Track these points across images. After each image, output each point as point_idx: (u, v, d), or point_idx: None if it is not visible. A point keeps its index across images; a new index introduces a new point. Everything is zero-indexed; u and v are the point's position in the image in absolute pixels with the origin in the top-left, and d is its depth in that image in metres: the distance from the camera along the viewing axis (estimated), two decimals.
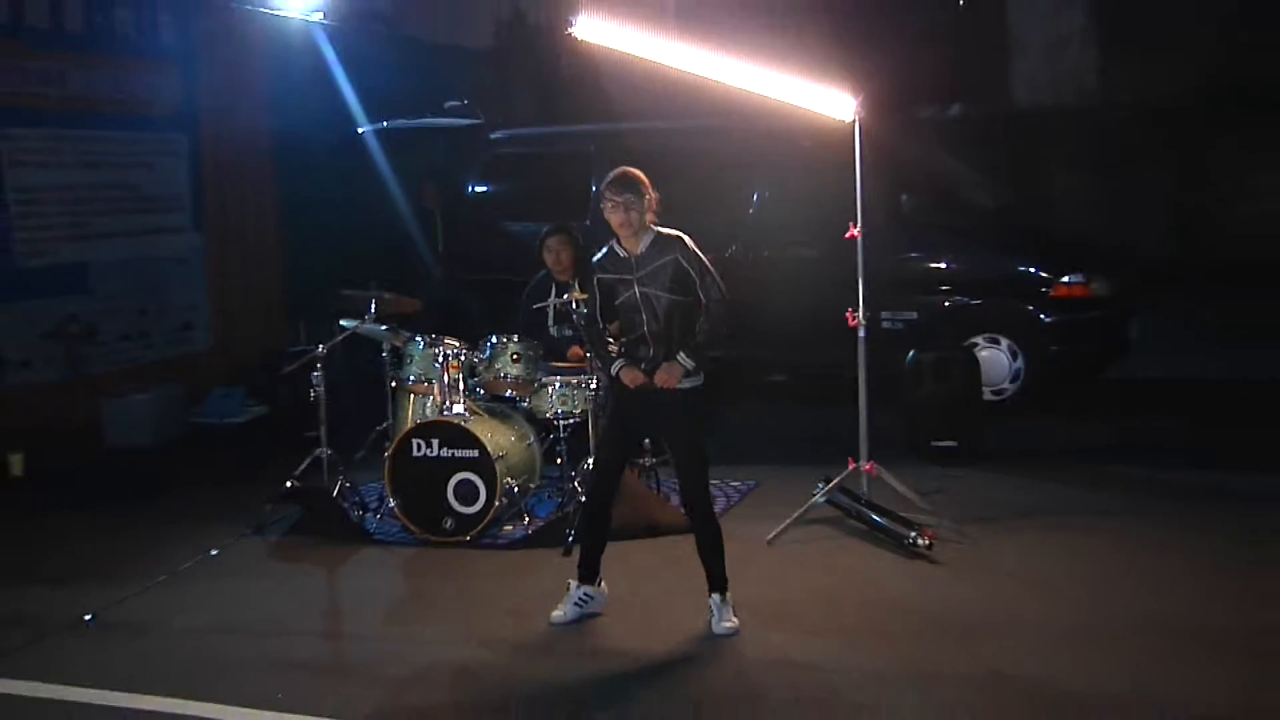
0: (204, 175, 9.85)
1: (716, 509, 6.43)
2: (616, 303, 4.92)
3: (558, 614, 5.02)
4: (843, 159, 6.07)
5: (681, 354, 4.82)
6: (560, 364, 6.61)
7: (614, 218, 4.83)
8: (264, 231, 10.48)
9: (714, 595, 4.91)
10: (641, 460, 6.45)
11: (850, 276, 6.02)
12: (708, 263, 4.86)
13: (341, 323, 6.76)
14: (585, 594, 5.07)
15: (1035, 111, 14.99)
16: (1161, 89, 13.95)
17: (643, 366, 4.87)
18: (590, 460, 5.84)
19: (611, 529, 5.12)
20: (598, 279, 4.97)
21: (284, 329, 10.41)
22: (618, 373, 4.90)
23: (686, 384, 4.85)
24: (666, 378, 4.81)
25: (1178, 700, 4.13)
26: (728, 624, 4.83)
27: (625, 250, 4.88)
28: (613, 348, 5.08)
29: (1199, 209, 14.02)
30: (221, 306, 10.03)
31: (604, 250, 4.97)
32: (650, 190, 4.86)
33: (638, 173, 4.89)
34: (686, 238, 4.88)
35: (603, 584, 5.13)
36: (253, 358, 9.82)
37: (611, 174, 4.90)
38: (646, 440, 6.29)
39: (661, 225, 4.92)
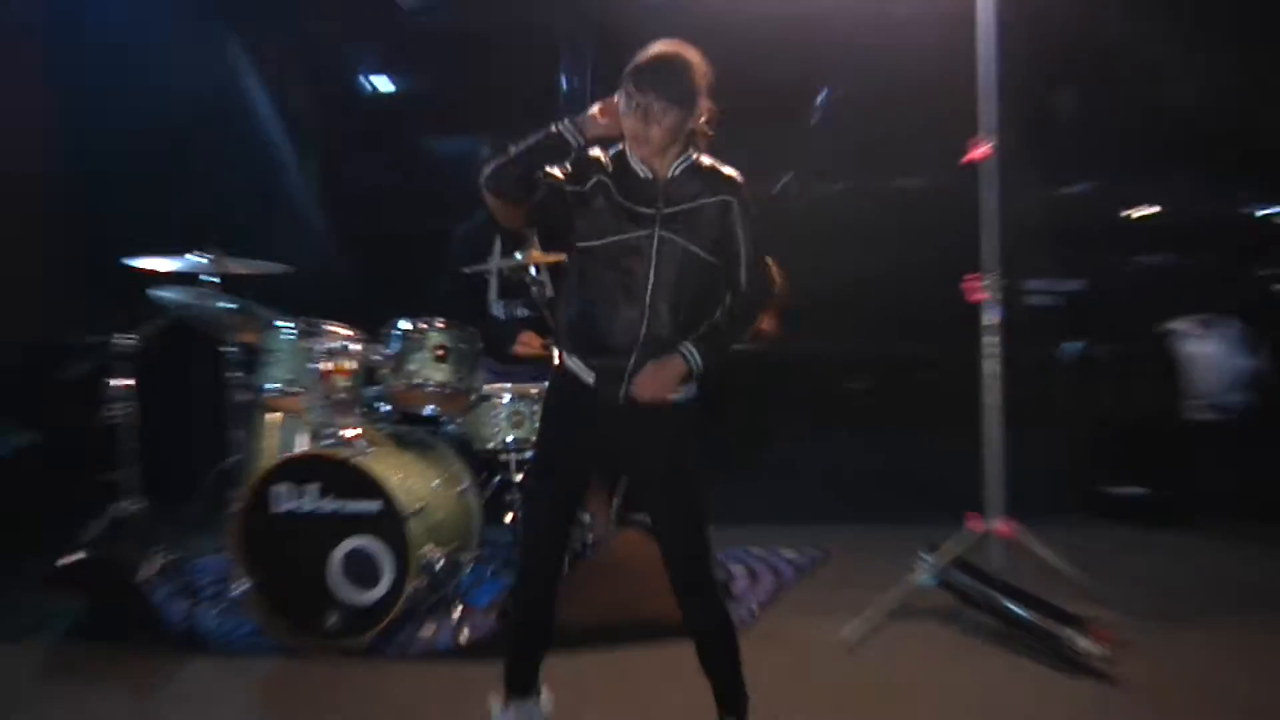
0: None
1: (762, 591, 6.57)
2: (592, 241, 4.70)
3: None
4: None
5: (689, 346, 4.68)
6: (520, 354, 6.70)
7: (627, 121, 4.63)
8: (26, 148, 10.48)
9: None
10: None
11: (969, 222, 6.12)
12: (753, 241, 4.71)
13: (158, 295, 6.78)
14: (517, 713, 5.12)
15: None
16: None
17: (620, 360, 4.71)
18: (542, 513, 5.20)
19: (578, 618, 5.13)
20: (598, 182, 4.69)
21: (65, 309, 10.43)
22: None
23: (683, 397, 4.75)
24: (657, 385, 4.68)
25: None
26: None
27: (646, 167, 4.73)
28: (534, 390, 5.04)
29: None
30: None
31: (603, 152, 4.74)
32: (704, 97, 4.66)
33: (689, 57, 4.64)
34: (740, 182, 4.72)
35: (543, 692, 5.16)
36: (9, 357, 9.85)
37: (649, 49, 4.62)
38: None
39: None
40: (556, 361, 4.81)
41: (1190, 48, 11.36)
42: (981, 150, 6.02)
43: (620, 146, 4.69)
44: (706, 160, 4.72)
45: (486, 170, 4.66)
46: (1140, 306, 8.58)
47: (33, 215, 10.47)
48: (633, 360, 4.66)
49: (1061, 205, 8.67)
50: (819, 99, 9.37)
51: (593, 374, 4.70)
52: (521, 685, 5.11)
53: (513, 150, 4.61)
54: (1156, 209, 8.85)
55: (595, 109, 4.61)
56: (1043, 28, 8.83)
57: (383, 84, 10.42)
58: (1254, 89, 13.39)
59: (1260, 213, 8.77)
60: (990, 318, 6.08)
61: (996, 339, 6.09)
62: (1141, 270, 8.75)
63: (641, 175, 4.66)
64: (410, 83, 10.36)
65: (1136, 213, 8.87)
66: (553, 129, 4.60)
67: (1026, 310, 8.41)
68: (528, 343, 6.76)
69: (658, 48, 4.60)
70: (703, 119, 4.66)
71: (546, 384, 5.27)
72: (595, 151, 4.68)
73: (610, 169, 4.67)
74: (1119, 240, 8.77)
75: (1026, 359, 7.23)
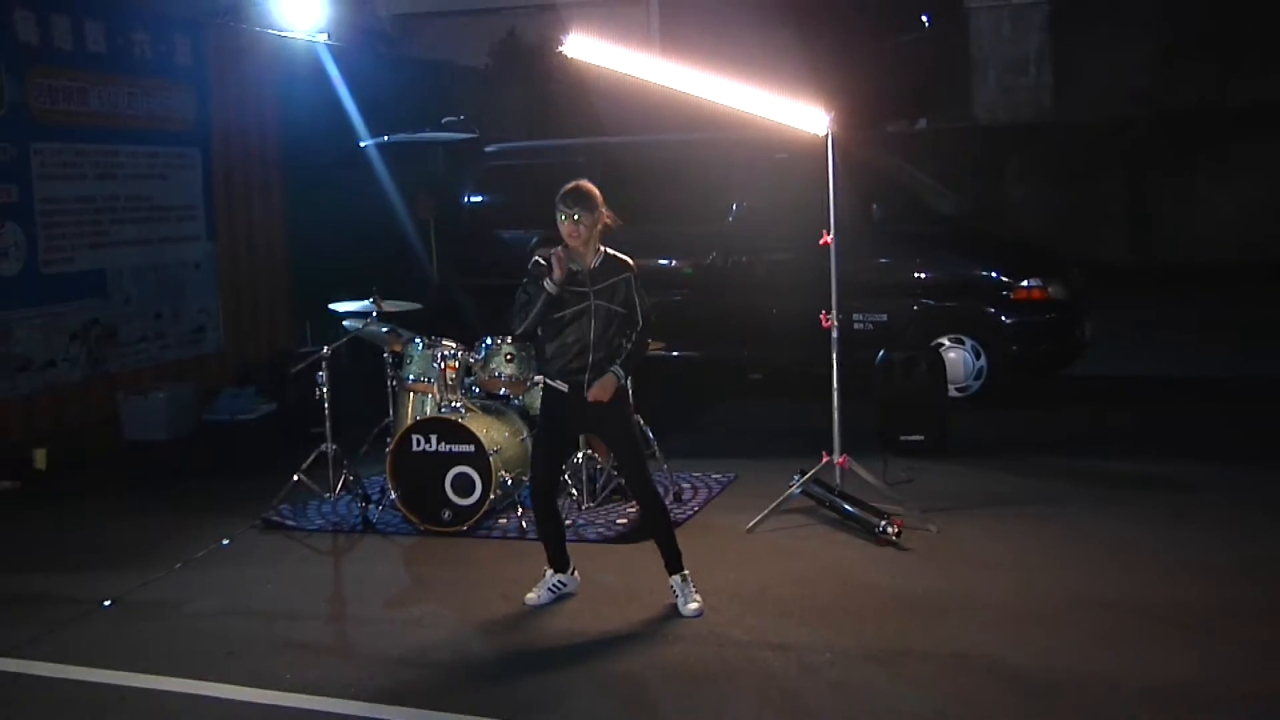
0: (216, 187, 9.81)
1: (698, 500, 6.49)
2: (560, 313, 4.78)
3: (532, 596, 5.03)
4: (816, 170, 6.08)
5: (618, 366, 4.80)
6: None
7: (564, 228, 4.73)
8: (272, 240, 10.45)
9: (674, 576, 4.90)
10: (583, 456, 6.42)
11: (824, 280, 6.02)
12: (642, 292, 4.88)
13: (345, 325, 6.74)
14: (559, 581, 5.08)
15: (995, 127, 15.08)
16: (1112, 107, 14.05)
17: (575, 382, 4.81)
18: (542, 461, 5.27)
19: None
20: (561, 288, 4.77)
21: (291, 331, 10.36)
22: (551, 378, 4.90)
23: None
24: (602, 393, 4.77)
25: (1124, 674, 4.15)
26: (693, 604, 4.82)
27: (578, 263, 4.79)
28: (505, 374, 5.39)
29: (1147, 217, 14.12)
30: (232, 310, 10.00)
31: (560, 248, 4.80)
32: (602, 206, 4.77)
33: (590, 187, 4.79)
34: (632, 264, 4.87)
35: (575, 572, 5.12)
36: (262, 359, 9.81)
37: (566, 186, 4.78)
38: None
39: (614, 244, 4.91)
40: (542, 382, 5.03)
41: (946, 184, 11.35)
42: (826, 238, 5.95)
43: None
44: (614, 254, 4.86)
45: (515, 324, 4.87)
46: (920, 330, 8.57)
47: (279, 270, 10.43)
48: (587, 377, 4.80)
49: (873, 270, 8.58)
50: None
51: (567, 385, 4.84)
52: (559, 563, 5.08)
53: (531, 309, 4.78)
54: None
55: (556, 272, 4.72)
56: (865, 170, 8.81)
57: (475, 197, 10.23)
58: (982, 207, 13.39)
59: (982, 273, 8.70)
60: (834, 335, 6.00)
61: (838, 348, 6.00)
62: (921, 308, 8.70)
63: (575, 269, 4.78)
64: (489, 195, 10.20)
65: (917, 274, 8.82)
66: (550, 289, 4.72)
67: (856, 332, 8.36)
68: None
69: (570, 184, 4.79)
70: (605, 219, 4.81)
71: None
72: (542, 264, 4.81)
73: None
74: (905, 291, 8.71)
75: (858, 360, 7.19)
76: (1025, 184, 14.97)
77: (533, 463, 5.30)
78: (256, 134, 10.17)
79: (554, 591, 5.06)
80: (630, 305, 4.84)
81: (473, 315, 9.03)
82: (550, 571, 5.08)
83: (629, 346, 4.85)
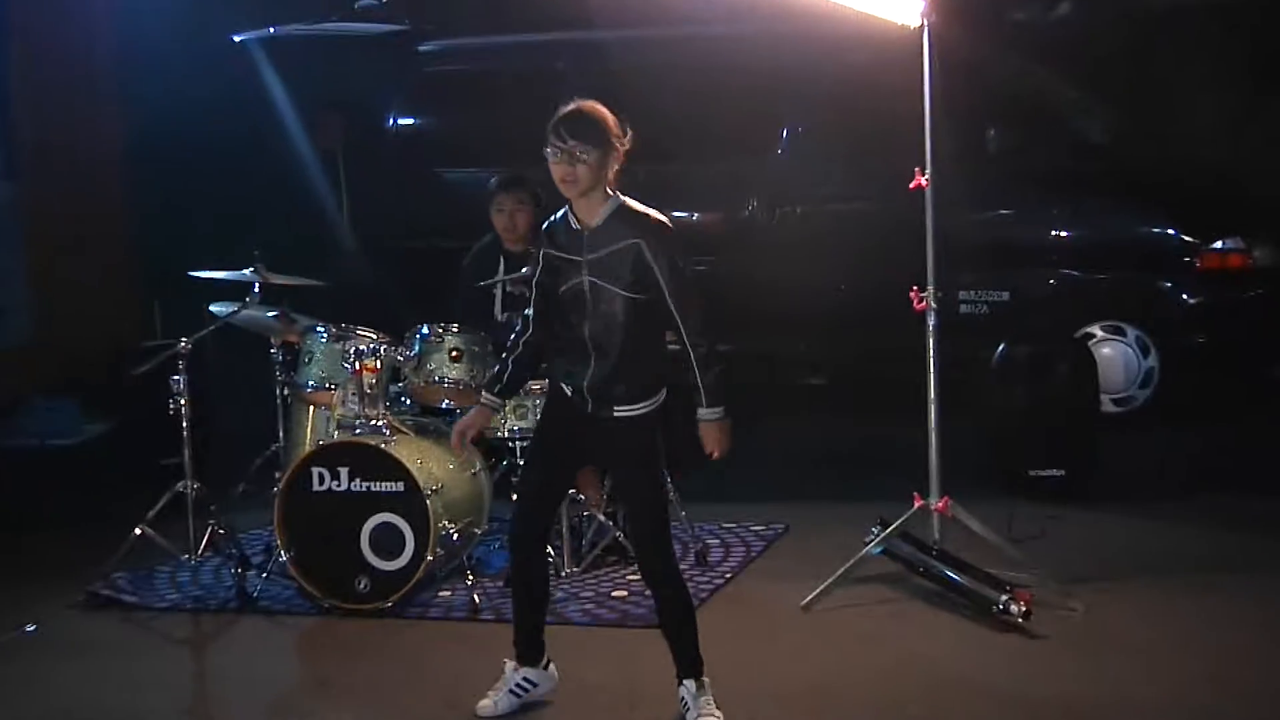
0: (14, 102, 9.83)
1: (732, 562, 6.56)
2: (559, 292, 4.82)
3: (485, 704, 5.07)
4: (907, 79, 6.13)
5: (705, 413, 4.77)
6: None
7: (556, 169, 4.70)
8: (103, 182, 10.47)
9: (685, 683, 4.91)
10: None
11: (916, 242, 6.09)
12: (688, 276, 4.75)
13: (213, 308, 6.81)
14: (525, 680, 5.11)
15: (1170, 8, 15.03)
16: None
17: (575, 387, 4.84)
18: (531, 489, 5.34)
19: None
20: (544, 254, 4.85)
21: (134, 317, 10.42)
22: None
23: (633, 411, 4.81)
24: (717, 445, 4.82)
25: None
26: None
27: (579, 220, 4.80)
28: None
29: None
30: (43, 285, 10.02)
31: (558, 214, 4.88)
32: (618, 138, 4.74)
33: (601, 110, 4.76)
34: (667, 224, 4.79)
35: (550, 665, 5.17)
36: (89, 356, 9.83)
37: (565, 108, 4.76)
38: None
39: (638, 195, 4.88)
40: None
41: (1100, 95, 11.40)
42: (920, 180, 6.01)
43: (565, 210, 4.84)
44: (634, 206, 4.79)
45: (520, 327, 5.02)
46: (1059, 314, 8.59)
47: (114, 228, 10.47)
48: (585, 388, 4.82)
49: (989, 227, 8.62)
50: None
51: (570, 390, 4.87)
52: (530, 650, 5.12)
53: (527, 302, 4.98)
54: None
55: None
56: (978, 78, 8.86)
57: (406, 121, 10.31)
58: (1152, 130, 13.42)
59: (1152, 231, 8.78)
60: (930, 322, 6.06)
61: (936, 341, 6.06)
62: (1060, 283, 8.74)
63: (574, 227, 4.79)
64: (427, 118, 10.24)
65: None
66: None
67: (962, 317, 8.40)
68: None
69: (571, 105, 4.76)
70: (618, 159, 4.75)
71: (546, 382, 5.53)
72: (551, 221, 4.92)
73: (558, 236, 4.83)
74: (1036, 258, 8.76)
75: (966, 358, 7.24)
76: (1219, 97, 14.95)
77: (518, 489, 5.39)
78: (79, 26, 10.18)
79: (517, 694, 5.11)
80: (649, 288, 4.72)
81: (402, 292, 9.09)
82: (512, 666, 5.13)
83: (694, 382, 4.76)
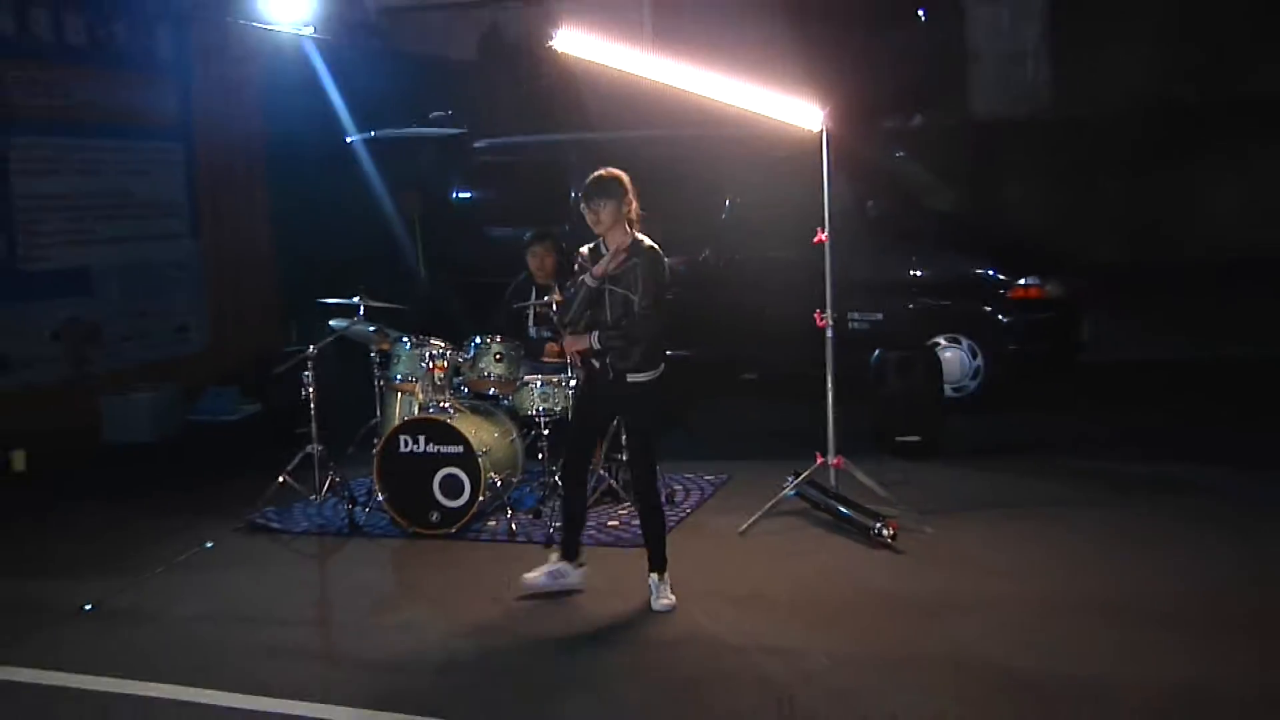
0: (199, 183, 9.79)
1: (690, 502, 6.50)
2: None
3: (530, 576, 5.11)
4: (811, 167, 6.09)
5: (596, 334, 4.93)
6: (546, 359, 6.63)
7: (586, 215, 4.94)
8: (257, 238, 10.44)
9: (653, 575, 5.00)
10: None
11: (818, 279, 6.04)
12: (653, 281, 4.88)
13: (331, 324, 6.74)
14: (560, 568, 5.13)
15: (992, 122, 15.05)
16: (1112, 100, 14.04)
17: (601, 362, 4.96)
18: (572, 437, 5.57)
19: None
20: (579, 265, 5.00)
21: (277, 331, 10.35)
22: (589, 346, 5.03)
23: (642, 378, 4.94)
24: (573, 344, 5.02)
25: (1123, 677, 4.17)
26: (664, 601, 4.91)
27: (606, 248, 4.96)
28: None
29: (1148, 214, 14.11)
30: (217, 309, 9.98)
31: (596, 243, 5.03)
32: (628, 191, 4.90)
33: (616, 174, 4.93)
34: (658, 252, 4.94)
35: (582, 568, 5.14)
36: (247, 358, 9.79)
37: (593, 174, 4.96)
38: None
39: (640, 233, 4.95)
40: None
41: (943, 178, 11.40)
42: (821, 236, 5.97)
43: (600, 240, 5.01)
44: (642, 240, 4.95)
45: (559, 317, 5.17)
46: (915, 329, 8.58)
47: (264, 269, 10.43)
48: (607, 360, 4.96)
49: (868, 269, 8.57)
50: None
51: (598, 364, 5.00)
52: (568, 550, 5.14)
53: (573, 302, 4.98)
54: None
55: (598, 268, 4.90)
56: (860, 166, 8.82)
57: (463, 194, 10.23)
58: (979, 203, 13.39)
59: (978, 271, 8.72)
60: (829, 335, 6.02)
61: (832, 348, 6.03)
62: (916, 307, 8.72)
63: (604, 254, 4.94)
64: (478, 192, 10.13)
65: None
66: (590, 283, 4.89)
67: (850, 332, 8.35)
68: (550, 351, 6.69)
69: (596, 173, 4.96)
70: (631, 208, 4.94)
71: (565, 374, 5.94)
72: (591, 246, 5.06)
73: (594, 258, 4.99)
74: (900, 290, 8.72)
75: (853, 360, 7.19)
76: (1023, 180, 14.96)
77: (566, 439, 5.42)
78: (241, 129, 10.16)
79: (552, 577, 5.09)
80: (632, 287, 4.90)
81: (460, 314, 9.02)
82: (556, 556, 5.18)
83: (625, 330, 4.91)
